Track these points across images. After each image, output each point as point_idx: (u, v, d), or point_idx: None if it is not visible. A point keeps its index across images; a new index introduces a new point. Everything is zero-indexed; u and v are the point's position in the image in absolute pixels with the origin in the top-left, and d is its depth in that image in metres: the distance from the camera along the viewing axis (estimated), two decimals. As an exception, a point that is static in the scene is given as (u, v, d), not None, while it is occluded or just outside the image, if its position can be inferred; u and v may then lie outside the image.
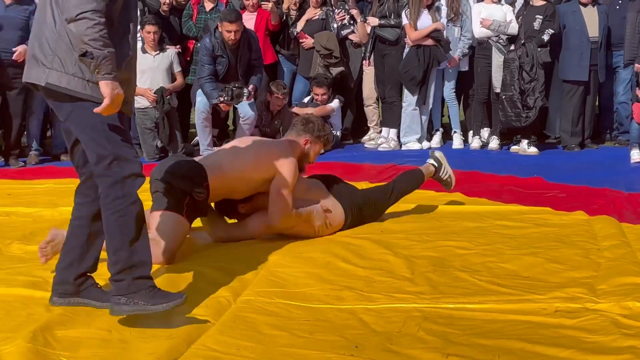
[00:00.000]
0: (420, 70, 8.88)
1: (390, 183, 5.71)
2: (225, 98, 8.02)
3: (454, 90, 9.38)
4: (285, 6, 9.49)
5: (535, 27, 8.61)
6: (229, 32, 7.95)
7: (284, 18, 9.51)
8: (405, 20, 8.93)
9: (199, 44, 8.85)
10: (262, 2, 9.26)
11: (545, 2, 8.72)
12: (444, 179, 5.82)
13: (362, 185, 6.20)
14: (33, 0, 8.45)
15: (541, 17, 8.61)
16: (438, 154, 5.85)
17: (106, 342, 3.24)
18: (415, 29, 8.85)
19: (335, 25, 9.33)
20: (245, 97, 8.09)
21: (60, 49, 3.35)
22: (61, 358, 3.06)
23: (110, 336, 3.31)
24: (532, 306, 3.67)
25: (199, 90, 8.37)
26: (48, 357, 3.08)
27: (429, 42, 8.89)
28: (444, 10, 9.09)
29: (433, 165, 5.78)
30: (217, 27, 8.15)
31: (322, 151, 5.67)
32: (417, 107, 9.11)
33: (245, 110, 8.37)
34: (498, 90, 8.85)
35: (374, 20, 9.26)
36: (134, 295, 3.36)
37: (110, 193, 3.39)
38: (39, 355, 3.09)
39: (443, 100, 9.67)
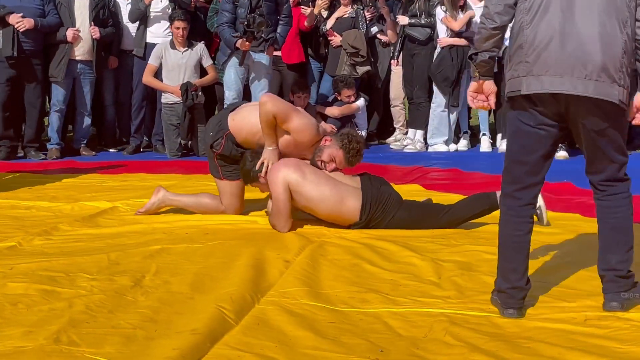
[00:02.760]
0: (454, 70, 8.91)
1: (452, 205, 5.46)
2: (246, 28, 7.79)
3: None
4: (316, 10, 9.49)
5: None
6: None
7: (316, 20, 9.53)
8: (441, 15, 8.94)
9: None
10: (302, 7, 9.30)
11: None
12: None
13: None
14: None
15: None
16: None
17: (130, 340, 3.26)
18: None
19: (364, 24, 9.35)
20: (265, 26, 7.85)
21: (624, 64, 3.38)
22: (86, 355, 3.08)
23: (135, 333, 3.33)
24: (561, 314, 3.66)
25: (229, 78, 8.28)
26: (72, 354, 3.10)
27: (463, 42, 8.90)
28: (478, 10, 9.10)
29: None
30: None
31: (340, 166, 5.47)
32: (446, 109, 9.12)
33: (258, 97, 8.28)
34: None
35: (403, 19, 9.27)
36: (634, 289, 3.62)
37: (629, 195, 3.64)
38: (62, 352, 3.11)
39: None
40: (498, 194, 5.21)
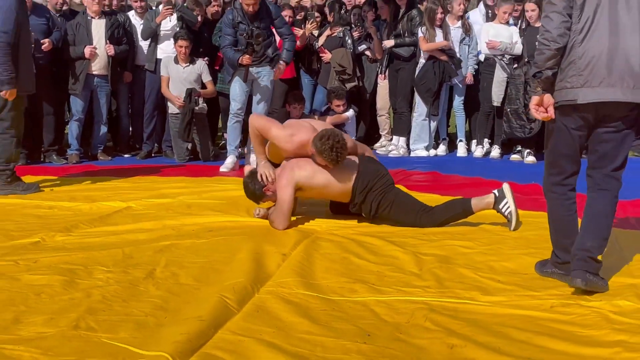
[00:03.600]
0: (435, 82, 8.96)
1: (433, 207, 5.43)
2: (246, 39, 7.77)
3: (463, 102, 9.43)
4: (307, 32, 9.48)
5: (537, 46, 8.60)
6: (247, 5, 7.77)
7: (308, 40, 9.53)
8: (420, 34, 9.00)
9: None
10: (295, 28, 9.31)
11: (545, 24, 8.71)
12: (504, 214, 5.25)
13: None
14: (47, 7, 8.67)
15: (542, 37, 8.61)
16: (506, 186, 5.29)
17: (143, 326, 3.26)
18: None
19: (349, 41, 9.36)
20: (262, 38, 7.79)
21: None
22: (102, 339, 3.08)
23: (147, 320, 3.33)
24: (530, 302, 3.68)
25: (234, 91, 8.25)
26: (90, 339, 3.10)
27: (444, 57, 8.96)
28: (456, 30, 9.16)
29: (495, 195, 5.27)
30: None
31: (332, 166, 5.35)
32: (427, 118, 9.15)
33: (257, 107, 8.21)
34: (496, 104, 8.89)
35: (389, 43, 9.29)
36: (598, 277, 3.76)
37: (617, 197, 3.89)
38: (81, 337, 3.12)
39: (448, 112, 9.74)
40: (472, 200, 5.29)
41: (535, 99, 3.86)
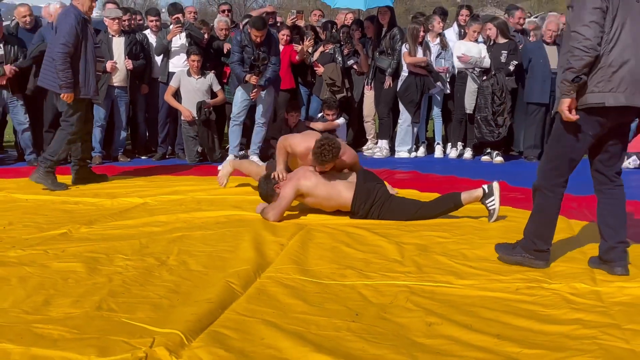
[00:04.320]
0: (417, 94, 8.98)
1: (425, 202, 5.43)
2: (254, 66, 7.90)
3: (441, 109, 9.45)
4: (305, 49, 9.46)
5: (502, 60, 8.64)
6: (256, 36, 7.85)
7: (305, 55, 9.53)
8: (404, 50, 9.01)
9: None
10: (294, 45, 9.31)
11: (507, 40, 8.76)
12: (488, 208, 5.23)
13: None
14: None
15: (506, 51, 8.64)
16: (496, 185, 5.25)
17: (158, 307, 3.27)
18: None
19: (340, 58, 9.36)
20: (267, 62, 7.94)
21: None
22: (122, 319, 3.09)
23: (161, 302, 3.33)
24: (498, 285, 3.69)
25: (236, 98, 8.23)
26: (111, 319, 3.11)
27: (423, 72, 8.98)
28: (434, 47, 9.17)
29: (484, 190, 5.23)
30: (246, 24, 8.06)
31: (318, 169, 5.40)
32: (410, 124, 9.17)
33: (259, 115, 8.26)
34: (469, 112, 8.89)
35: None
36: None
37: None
38: (103, 317, 3.13)
39: (427, 118, 9.75)
40: (462, 194, 5.27)
41: (566, 102, 3.71)
